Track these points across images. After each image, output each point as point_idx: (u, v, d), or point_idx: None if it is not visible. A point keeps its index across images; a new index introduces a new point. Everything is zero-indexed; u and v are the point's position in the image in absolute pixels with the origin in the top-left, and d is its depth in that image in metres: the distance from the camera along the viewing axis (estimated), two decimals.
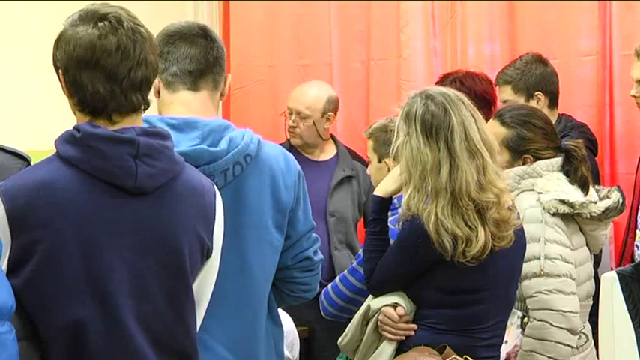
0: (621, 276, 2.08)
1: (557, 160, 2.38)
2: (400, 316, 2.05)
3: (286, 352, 2.70)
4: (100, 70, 1.41)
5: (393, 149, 2.09)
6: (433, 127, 1.97)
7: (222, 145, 1.77)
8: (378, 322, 2.09)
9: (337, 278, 2.45)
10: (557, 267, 2.24)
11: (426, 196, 1.97)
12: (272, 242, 1.87)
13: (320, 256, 2.02)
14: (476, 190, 1.94)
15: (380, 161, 2.49)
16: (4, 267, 1.37)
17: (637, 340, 2.06)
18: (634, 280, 2.08)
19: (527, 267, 2.23)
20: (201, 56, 1.82)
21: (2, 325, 1.28)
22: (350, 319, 2.24)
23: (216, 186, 1.72)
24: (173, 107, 1.83)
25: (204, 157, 1.74)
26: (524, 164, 2.38)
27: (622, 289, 2.05)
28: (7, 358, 1.28)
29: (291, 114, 3.40)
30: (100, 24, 1.41)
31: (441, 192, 1.94)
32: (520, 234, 2.08)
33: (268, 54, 3.95)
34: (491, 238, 1.95)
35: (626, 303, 2.06)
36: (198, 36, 1.83)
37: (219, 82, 1.87)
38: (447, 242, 1.92)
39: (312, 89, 3.48)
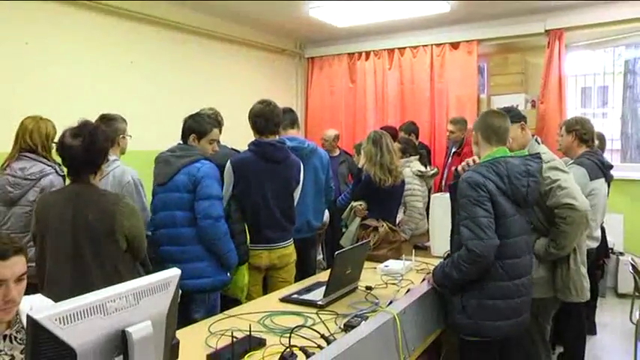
0: None
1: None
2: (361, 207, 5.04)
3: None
4: (263, 118, 4.28)
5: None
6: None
7: (305, 144, 4.83)
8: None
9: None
10: None
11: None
12: (322, 198, 5.08)
13: None
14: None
15: None
16: (230, 192, 4.24)
17: None
18: None
19: None
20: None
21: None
22: None
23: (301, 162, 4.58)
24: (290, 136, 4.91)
25: (300, 147, 4.76)
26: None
27: None
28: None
29: None
30: (262, 105, 4.36)
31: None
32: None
33: None
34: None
35: None
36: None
37: None
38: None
39: None
